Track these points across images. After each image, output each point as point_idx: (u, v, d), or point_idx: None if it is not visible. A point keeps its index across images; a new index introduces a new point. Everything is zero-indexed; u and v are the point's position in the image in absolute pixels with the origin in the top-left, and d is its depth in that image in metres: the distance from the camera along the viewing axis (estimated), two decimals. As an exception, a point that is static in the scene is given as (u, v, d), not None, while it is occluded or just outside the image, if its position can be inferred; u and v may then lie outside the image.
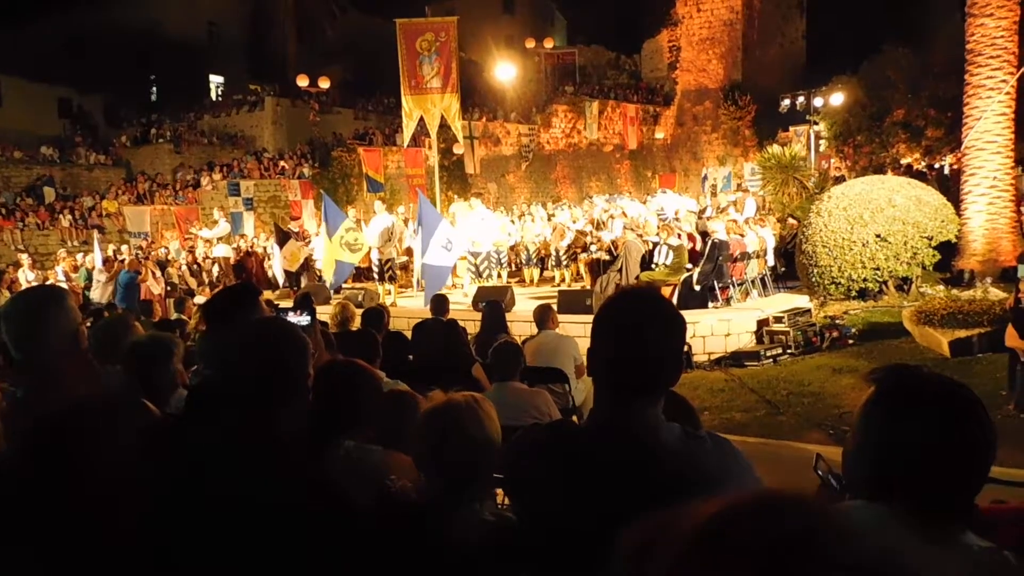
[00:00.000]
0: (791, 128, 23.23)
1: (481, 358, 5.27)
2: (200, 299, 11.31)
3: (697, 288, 9.48)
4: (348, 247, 11.51)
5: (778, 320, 8.97)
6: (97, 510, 1.21)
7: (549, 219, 14.51)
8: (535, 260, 13.82)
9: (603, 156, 28.97)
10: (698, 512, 0.70)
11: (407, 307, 11.14)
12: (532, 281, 13.88)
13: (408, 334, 6.37)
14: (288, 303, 9.02)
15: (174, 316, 9.12)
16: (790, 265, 11.06)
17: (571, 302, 9.30)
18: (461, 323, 6.32)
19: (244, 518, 1.32)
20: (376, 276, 11.94)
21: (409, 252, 13.06)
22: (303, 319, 2.30)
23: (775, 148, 16.41)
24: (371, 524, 1.50)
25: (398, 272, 12.33)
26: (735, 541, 0.66)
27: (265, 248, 15.34)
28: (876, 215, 9.48)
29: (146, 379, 2.35)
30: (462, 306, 10.31)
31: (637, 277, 9.74)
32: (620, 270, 10.03)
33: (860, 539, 0.74)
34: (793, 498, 0.69)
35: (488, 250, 12.11)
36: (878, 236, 9.39)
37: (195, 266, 14.74)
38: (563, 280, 13.30)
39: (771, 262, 10.99)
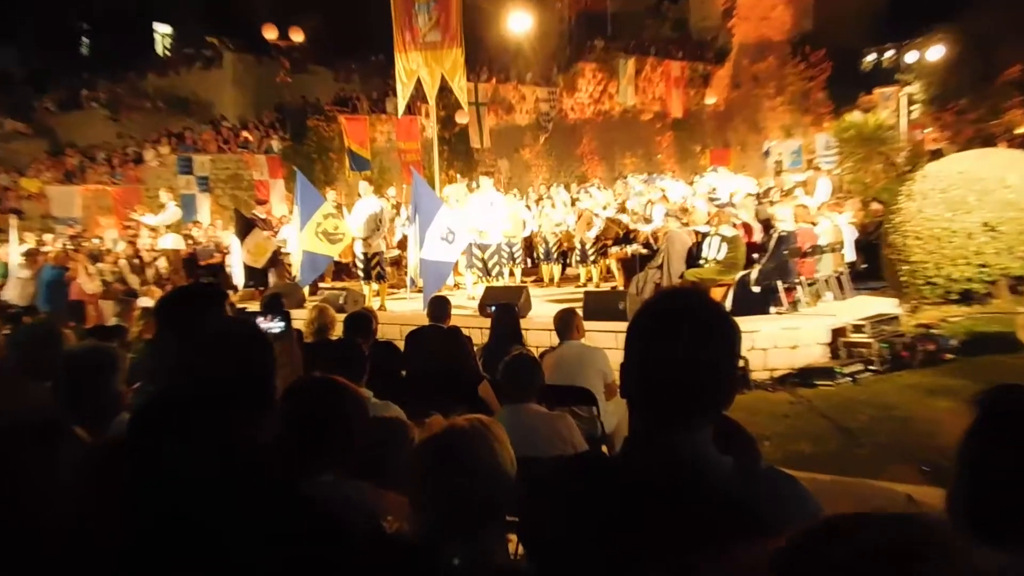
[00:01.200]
0: (876, 90, 23.10)
1: (490, 374, 5.35)
2: (145, 301, 11.32)
3: (756, 289, 9.51)
4: (326, 237, 11.66)
5: (858, 329, 8.94)
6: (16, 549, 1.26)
7: (573, 204, 14.64)
8: (556, 255, 13.99)
9: (640, 126, 28.91)
10: (761, 549, 0.72)
11: (399, 312, 11.34)
12: (552, 280, 14.02)
13: (400, 345, 6.44)
14: (255, 307, 9.23)
15: (112, 321, 9.23)
16: (873, 261, 11.12)
17: (600, 306, 9.36)
18: (465, 331, 6.38)
19: (244, 554, 1.37)
20: (361, 274, 12.09)
21: (402, 244, 13.19)
22: (274, 325, 2.32)
23: (855, 116, 16.34)
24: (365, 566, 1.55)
25: (388, 269, 12.45)
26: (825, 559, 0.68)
27: (220, 241, 15.59)
28: (984, 199, 9.33)
29: (82, 399, 2.36)
30: (466, 311, 10.39)
31: (681, 276, 9.79)
32: (660, 267, 10.08)
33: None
34: (884, 515, 0.72)
35: (498, 242, 12.27)
36: (986, 225, 9.28)
37: (137, 260, 14.79)
38: (590, 279, 13.38)
39: (849, 257, 11.06)
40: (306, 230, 11.61)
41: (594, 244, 13.13)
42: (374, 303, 11.63)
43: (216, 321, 2.11)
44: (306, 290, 12.41)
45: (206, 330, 1.78)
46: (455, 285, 13.38)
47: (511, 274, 13.43)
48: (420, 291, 11.21)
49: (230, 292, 13.01)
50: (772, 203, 11.62)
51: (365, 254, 11.89)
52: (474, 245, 12.05)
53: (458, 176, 19.20)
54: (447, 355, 5.56)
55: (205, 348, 1.67)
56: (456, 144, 22.07)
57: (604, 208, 13.85)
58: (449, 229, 10.70)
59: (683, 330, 1.36)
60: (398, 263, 14.47)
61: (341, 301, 11.00)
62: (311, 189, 12.14)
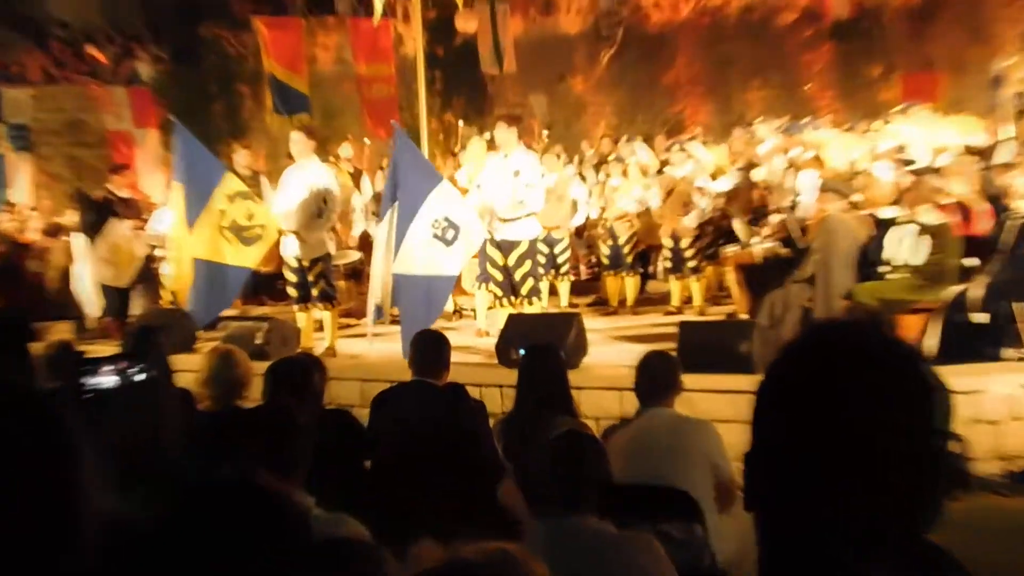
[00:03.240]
0: None
1: (516, 465, 5.44)
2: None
3: (979, 318, 9.42)
4: (234, 234, 11.84)
5: None
6: None
7: (660, 171, 14.64)
8: (631, 259, 14.04)
9: (772, 38, 28.62)
10: None
11: (361, 357, 11.47)
12: (624, 303, 14.08)
13: (362, 416, 6.43)
14: (112, 349, 9.17)
15: None
16: None
17: (708, 348, 9.31)
18: (474, 392, 6.59)
19: None
20: (293, 293, 12.14)
21: (365, 244, 13.09)
22: (129, 377, 2.33)
23: None
24: None
25: (340, 284, 12.54)
26: None
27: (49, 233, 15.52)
28: None
29: None
30: (475, 356, 10.44)
31: (849, 295, 9.80)
32: (812, 280, 10.08)
33: None
34: None
35: (530, 238, 11.97)
36: None
37: None
38: (688, 301, 13.40)
39: None
40: (198, 224, 11.70)
41: (695, 241, 13.18)
42: (317, 344, 11.71)
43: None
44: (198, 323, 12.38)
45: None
46: (456, 311, 13.40)
47: (553, 293, 13.47)
48: (395, 322, 11.35)
49: (62, 325, 13.21)
50: (1011, 168, 11.45)
51: (300, 260, 11.95)
52: (489, 244, 11.85)
53: (460, 123, 19.26)
54: (443, 434, 5.50)
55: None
56: (456, 68, 22.05)
57: (712, 179, 13.80)
58: (447, 220, 10.79)
59: (851, 392, 1.37)
60: (357, 274, 14.55)
61: (260, 341, 11.10)
62: (203, 151, 12.23)
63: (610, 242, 14.09)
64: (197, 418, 5.44)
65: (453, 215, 10.88)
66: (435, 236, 10.81)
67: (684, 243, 13.27)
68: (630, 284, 14.23)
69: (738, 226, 12.49)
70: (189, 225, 11.82)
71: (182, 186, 11.93)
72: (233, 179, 11.96)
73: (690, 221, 13.20)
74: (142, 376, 2.37)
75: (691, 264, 13.32)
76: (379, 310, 11.54)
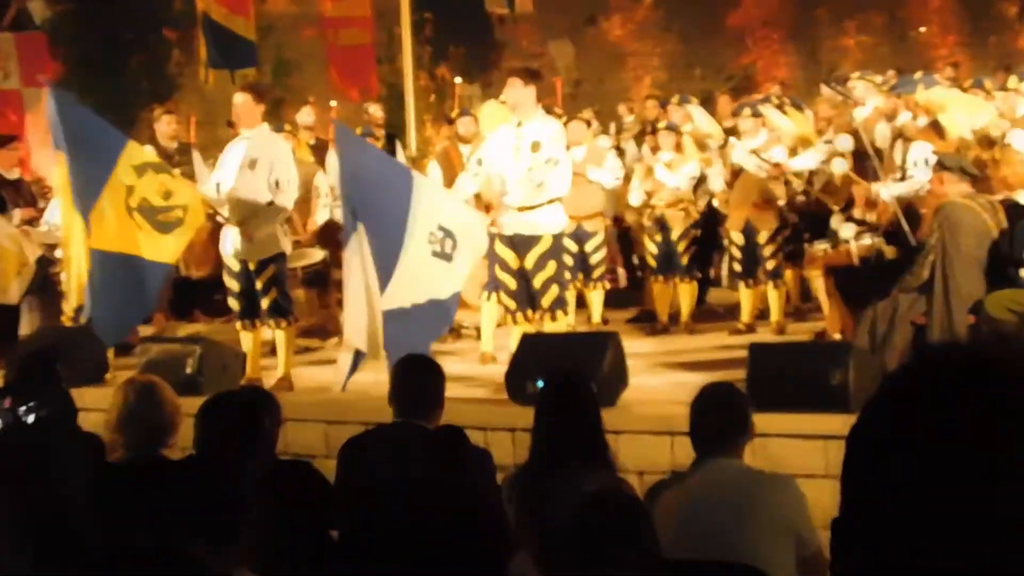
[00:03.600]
0: None
1: (530, 534, 5.50)
2: None
3: None
4: (147, 217, 11.74)
5: None
6: None
7: (723, 147, 14.69)
8: (685, 260, 14.01)
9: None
10: None
11: (328, 389, 11.38)
12: (678, 318, 14.06)
13: (327, 469, 6.29)
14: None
15: None
16: None
17: (786, 379, 9.32)
18: (477, 438, 6.61)
19: None
20: (236, 306, 12.10)
21: (331, 238, 13.17)
22: (18, 417, 2.35)
23: None
24: None
25: (299, 295, 12.58)
26: None
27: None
28: None
29: None
30: (480, 390, 10.54)
31: (978, 308, 9.72)
32: (926, 287, 10.06)
33: None
34: None
35: (553, 233, 11.89)
36: None
37: None
38: (759, 313, 13.46)
39: None
40: (98, 206, 11.47)
41: (775, 235, 13.23)
42: (267, 374, 11.79)
43: None
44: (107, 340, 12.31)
45: None
46: (453, 330, 13.47)
47: (581, 305, 13.58)
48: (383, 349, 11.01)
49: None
50: None
51: (244, 262, 11.89)
52: (499, 241, 11.83)
53: (457, 80, 18.88)
54: (434, 494, 5.45)
55: None
56: (453, 7, 21.97)
57: (791, 155, 13.78)
58: (442, 228, 10.88)
59: (983, 439, 1.35)
60: (321, 280, 14.59)
61: (191, 369, 11.16)
62: (97, 121, 12.19)
63: (659, 237, 14.05)
64: (107, 470, 5.34)
65: (444, 220, 10.95)
66: (434, 254, 10.89)
67: (762, 237, 13.24)
68: (685, 293, 14.16)
69: (835, 219, 12.43)
70: (84, 208, 11.49)
71: (71, 160, 11.55)
72: (138, 147, 11.98)
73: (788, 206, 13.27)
74: (34, 416, 2.40)
75: (770, 266, 13.26)
76: (358, 359, 11.13)
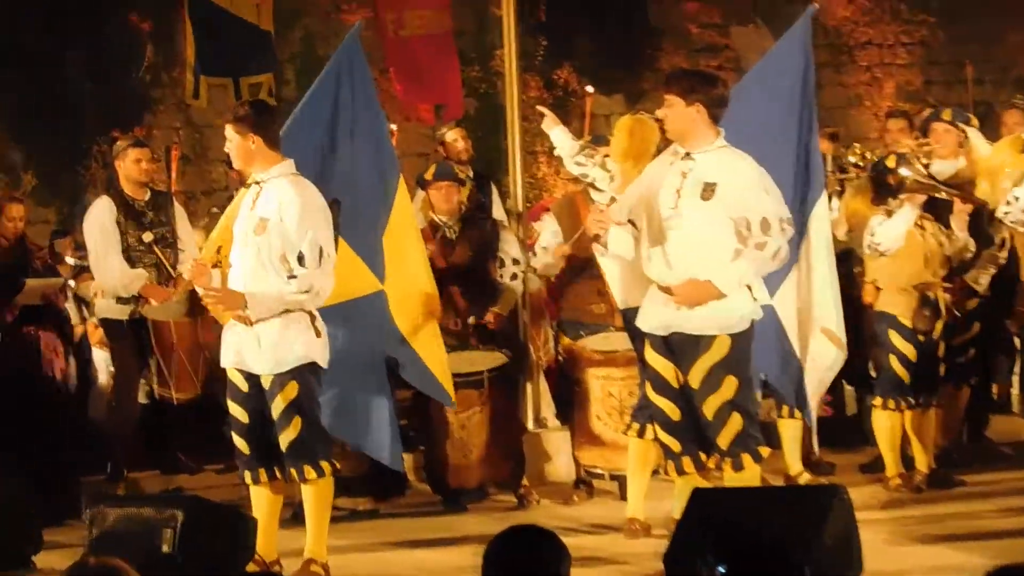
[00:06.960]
0: None
1: None
2: None
3: None
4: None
5: None
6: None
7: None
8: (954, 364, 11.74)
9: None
10: None
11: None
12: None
13: None
14: None
15: None
16: None
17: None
18: None
19: None
20: (244, 447, 9.80)
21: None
22: None
23: None
24: None
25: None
26: None
27: None
28: None
29: None
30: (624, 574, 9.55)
31: None
32: None
33: None
34: None
35: (736, 330, 9.75)
36: None
37: None
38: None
39: None
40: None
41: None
42: (289, 555, 9.58)
43: None
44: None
45: None
46: (580, 481, 11.94)
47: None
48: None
49: None
50: None
51: (255, 377, 9.53)
52: (651, 347, 9.74)
53: (588, 90, 16.81)
54: None
55: None
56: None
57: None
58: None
59: None
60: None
61: (167, 547, 9.03)
62: None
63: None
64: None
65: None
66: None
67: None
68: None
69: None
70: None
71: None
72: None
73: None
74: None
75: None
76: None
